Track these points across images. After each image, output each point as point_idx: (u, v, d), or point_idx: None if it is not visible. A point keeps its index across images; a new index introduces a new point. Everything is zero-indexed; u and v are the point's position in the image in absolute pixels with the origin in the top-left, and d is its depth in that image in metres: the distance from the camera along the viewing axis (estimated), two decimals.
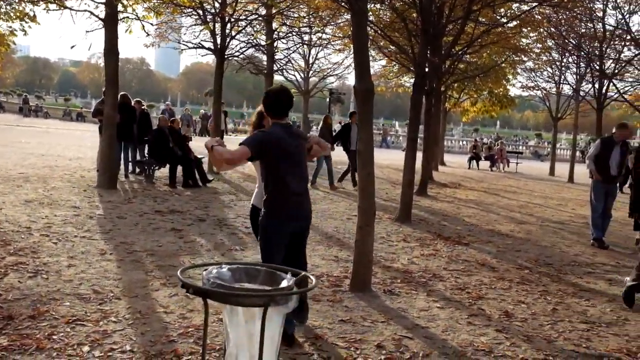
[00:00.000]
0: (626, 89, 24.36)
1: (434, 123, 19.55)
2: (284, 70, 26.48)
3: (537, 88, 29.76)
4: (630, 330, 5.65)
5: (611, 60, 22.42)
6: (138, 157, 14.68)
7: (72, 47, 11.77)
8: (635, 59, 22.10)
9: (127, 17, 12.35)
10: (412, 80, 11.90)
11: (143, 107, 15.58)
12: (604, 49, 21.33)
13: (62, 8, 11.89)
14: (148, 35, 15.56)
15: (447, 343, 4.94)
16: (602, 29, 21.15)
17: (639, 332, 5.59)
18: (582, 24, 21.83)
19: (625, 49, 22.15)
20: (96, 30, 12.25)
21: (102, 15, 11.88)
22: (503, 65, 24.92)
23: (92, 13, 11.95)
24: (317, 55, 29.58)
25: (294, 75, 29.56)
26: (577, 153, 28.41)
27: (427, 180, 16.28)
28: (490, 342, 5.02)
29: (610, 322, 5.87)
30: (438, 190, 16.97)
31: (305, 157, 4.63)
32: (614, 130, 10.13)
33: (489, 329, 5.37)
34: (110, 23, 11.88)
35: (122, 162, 13.85)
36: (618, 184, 11.39)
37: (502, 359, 4.68)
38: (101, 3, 11.85)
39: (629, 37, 19.83)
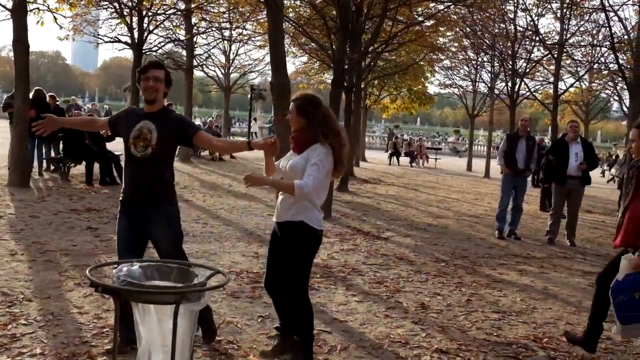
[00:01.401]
0: (536, 87, 25.45)
1: (355, 119, 19.77)
2: (204, 66, 26.20)
3: (454, 86, 30.67)
4: (538, 318, 5.91)
5: (523, 60, 23.33)
6: (52, 154, 14.18)
7: None
8: (544, 59, 23.10)
9: (38, 8, 11.90)
10: (333, 77, 12.00)
11: (57, 102, 15.06)
12: (516, 49, 22.16)
13: None
14: (62, 28, 15.06)
15: (365, 336, 5.02)
16: (513, 30, 21.97)
17: (546, 320, 5.85)
18: (496, 24, 22.63)
19: (535, 49, 23.12)
20: (4, 20, 11.74)
21: (10, 5, 11.39)
22: (421, 63, 25.49)
23: None
24: (237, 51, 29.43)
25: (215, 71, 29.28)
26: (493, 149, 29.36)
27: (348, 176, 16.47)
28: (406, 333, 5.14)
29: (520, 311, 6.12)
30: (359, 186, 17.20)
31: None
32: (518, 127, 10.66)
33: (406, 321, 5.49)
34: (19, 14, 11.39)
35: (35, 159, 13.35)
36: (529, 179, 11.85)
37: (417, 350, 4.80)
38: None
39: (537, 38, 20.70)
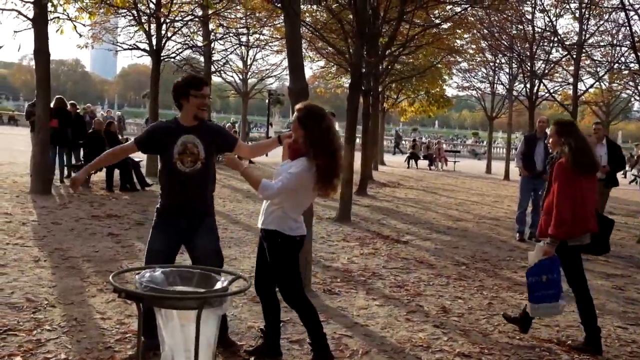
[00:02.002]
0: (556, 88, 25.24)
1: (373, 123, 19.76)
2: (222, 72, 26.34)
3: (472, 88, 30.54)
4: (560, 321, 5.85)
5: (541, 61, 23.16)
6: (73, 161, 14.33)
7: None
8: (563, 60, 22.92)
9: (58, 17, 12.03)
10: (350, 81, 12.01)
11: (77, 110, 15.22)
12: (534, 50, 22.01)
13: None
14: (81, 36, 15.20)
15: (386, 340, 5.01)
16: (531, 31, 21.82)
17: (569, 323, 5.80)
18: (513, 25, 22.48)
19: (554, 50, 22.95)
20: (25, 30, 11.89)
21: (31, 15, 11.54)
22: (439, 65, 25.40)
23: (19, 12, 11.60)
24: (255, 56, 29.52)
25: (232, 76, 29.41)
26: (512, 151, 29.15)
27: (367, 179, 16.46)
28: (428, 337, 5.12)
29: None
30: (377, 189, 17.17)
31: None
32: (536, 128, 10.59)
33: (427, 325, 5.47)
34: (40, 23, 11.54)
35: (57, 166, 13.50)
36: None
37: (439, 354, 4.78)
38: (29, 2, 11.52)
39: (556, 39, 20.54)
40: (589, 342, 5.02)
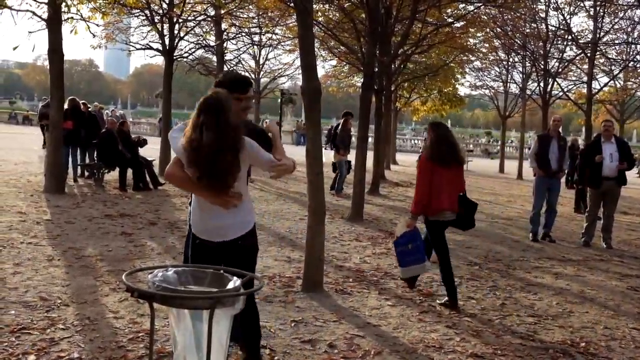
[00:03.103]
0: (569, 87, 25.09)
1: (385, 122, 19.71)
2: (235, 71, 26.31)
3: (485, 87, 30.39)
4: (575, 322, 5.81)
5: (555, 60, 23.02)
6: (87, 161, 14.41)
7: (14, 48, 11.45)
8: (577, 58, 22.76)
9: (72, 17, 12.09)
10: (363, 80, 11.98)
11: (90, 110, 15.31)
12: (547, 48, 21.87)
13: (2, 7, 11.56)
14: (94, 36, 15.29)
15: (398, 340, 4.99)
16: (545, 29, 21.69)
17: (583, 324, 5.75)
18: (527, 24, 22.37)
19: (568, 48, 22.81)
20: (40, 30, 11.97)
21: (45, 16, 11.61)
22: (451, 64, 25.29)
23: (34, 13, 11.66)
24: (267, 55, 29.52)
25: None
26: (526, 150, 28.99)
27: (379, 179, 16.42)
28: (440, 338, 5.10)
29: (556, 314, 6.02)
30: (390, 189, 17.13)
31: None
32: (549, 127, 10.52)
33: (440, 325, 5.45)
34: (54, 23, 11.61)
35: (70, 166, 13.58)
36: (563, 180, 11.65)
37: (452, 354, 4.75)
38: (44, 3, 11.58)
39: (570, 38, 20.41)
40: (449, 295, 6.07)
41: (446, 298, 6.09)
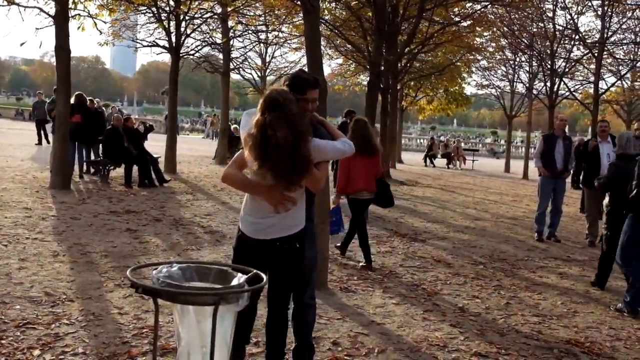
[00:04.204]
0: (576, 87, 25.01)
1: (391, 121, 19.69)
2: (241, 69, 26.35)
3: (491, 86, 30.33)
4: (579, 322, 5.80)
5: (562, 59, 22.95)
6: (92, 157, 14.44)
7: (21, 44, 11.49)
8: (584, 58, 22.69)
9: (79, 14, 12.12)
10: (369, 79, 11.97)
11: (96, 106, 15.34)
12: (554, 48, 21.80)
13: (9, 4, 11.60)
14: (101, 33, 15.32)
15: (403, 339, 4.99)
16: (552, 29, 21.62)
17: (588, 324, 5.74)
18: (534, 23, 22.30)
19: (575, 48, 22.73)
20: (47, 27, 12.00)
21: (52, 12, 11.63)
22: (458, 63, 25.25)
23: (41, 10, 11.69)
24: (273, 53, 29.49)
25: (251, 73, 29.41)
26: (532, 150, 28.93)
27: (384, 178, 16.38)
28: (444, 336, 5.09)
29: (561, 314, 6.01)
30: (395, 187, 17.09)
31: None
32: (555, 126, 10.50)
33: (444, 324, 5.44)
34: (61, 20, 11.63)
35: (76, 162, 13.61)
36: (568, 180, 11.62)
37: (456, 353, 4.75)
38: (51, 0, 11.61)
39: (577, 37, 20.34)
40: (365, 259, 7.40)
41: (364, 261, 7.40)
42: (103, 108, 21.49)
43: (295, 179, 3.39)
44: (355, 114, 15.29)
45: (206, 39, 20.25)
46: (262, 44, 26.96)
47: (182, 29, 16.42)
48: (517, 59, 27.37)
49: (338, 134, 3.82)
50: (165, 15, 16.34)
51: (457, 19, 17.93)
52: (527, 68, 27.48)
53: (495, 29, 22.60)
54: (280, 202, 3.52)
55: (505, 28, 22.47)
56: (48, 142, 20.92)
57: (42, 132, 22.06)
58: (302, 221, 3.72)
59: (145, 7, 16.40)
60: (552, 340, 5.22)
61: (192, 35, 18.38)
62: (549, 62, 22.40)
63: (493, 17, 20.55)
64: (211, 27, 20.83)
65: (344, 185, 7.39)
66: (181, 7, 15.85)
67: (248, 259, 3.58)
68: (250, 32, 22.47)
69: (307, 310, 4.18)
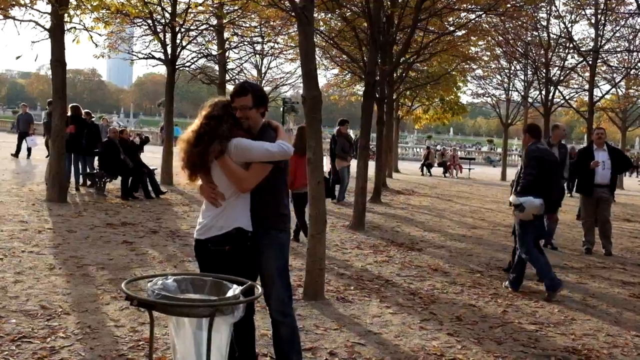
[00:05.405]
0: (571, 95, 25.12)
1: (387, 130, 19.73)
2: (237, 80, 26.40)
3: (487, 95, 30.45)
4: (576, 329, 5.80)
5: (557, 68, 23.06)
6: (88, 170, 14.43)
7: (17, 57, 11.52)
8: (579, 66, 22.81)
9: (75, 27, 12.15)
10: (364, 89, 11.99)
11: (92, 119, 15.35)
12: (549, 56, 21.91)
13: (5, 18, 11.62)
14: (97, 46, 15.33)
15: (399, 348, 4.98)
16: (547, 38, 21.73)
17: (585, 332, 5.74)
18: (528, 32, 22.43)
19: (569, 56, 22.86)
20: (43, 40, 12.03)
21: (48, 26, 11.66)
22: (453, 73, 25.32)
23: (37, 23, 11.72)
24: (269, 64, 29.59)
25: None
26: None
27: (381, 187, 16.41)
28: (441, 346, 5.09)
29: (558, 322, 6.01)
30: (392, 197, 17.12)
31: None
32: (550, 135, 10.51)
33: (441, 333, 5.44)
34: (57, 33, 11.65)
35: (72, 174, 13.60)
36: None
37: None
38: (47, 13, 11.64)
39: (571, 46, 20.45)
40: (302, 230, 8.93)
41: (300, 241, 8.92)
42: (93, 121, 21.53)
43: (192, 170, 3.76)
44: (348, 123, 15.38)
45: (202, 51, 20.30)
46: (257, 55, 27.06)
47: (178, 41, 16.46)
48: (512, 68, 27.51)
49: (282, 139, 3.94)
50: (161, 27, 16.40)
51: (451, 28, 17.98)
52: (522, 76, 27.63)
53: (490, 38, 22.70)
54: (209, 195, 3.74)
55: (500, 37, 22.58)
56: (28, 156, 21.04)
57: (21, 145, 21.69)
58: (235, 223, 3.74)
59: (141, 20, 16.45)
60: (549, 348, 5.22)
61: (188, 47, 18.42)
62: (544, 71, 22.49)
63: (488, 26, 20.62)
64: (207, 39, 20.89)
65: (290, 183, 8.15)
66: (177, 19, 15.90)
67: (199, 261, 3.86)
68: (245, 43, 22.54)
69: (278, 326, 4.06)
